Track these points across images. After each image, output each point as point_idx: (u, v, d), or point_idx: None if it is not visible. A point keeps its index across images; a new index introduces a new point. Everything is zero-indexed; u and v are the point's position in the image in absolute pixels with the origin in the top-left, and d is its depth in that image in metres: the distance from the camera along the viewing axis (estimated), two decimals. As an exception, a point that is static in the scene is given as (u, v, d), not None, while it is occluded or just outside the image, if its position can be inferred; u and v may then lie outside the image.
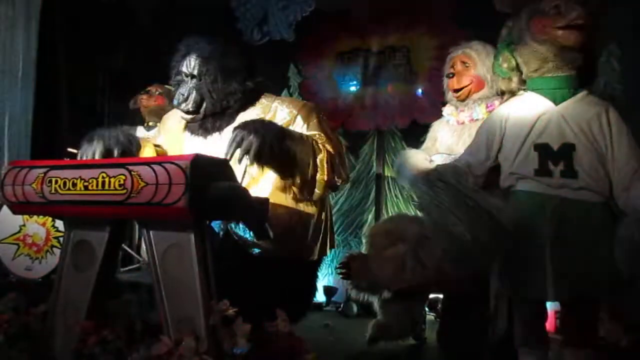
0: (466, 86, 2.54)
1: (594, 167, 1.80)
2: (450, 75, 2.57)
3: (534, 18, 1.88)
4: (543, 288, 1.77)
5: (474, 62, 2.55)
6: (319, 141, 1.92)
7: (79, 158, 1.94)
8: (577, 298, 1.79)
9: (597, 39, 1.88)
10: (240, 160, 1.69)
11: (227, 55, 2.02)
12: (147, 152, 2.10)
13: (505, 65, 2.03)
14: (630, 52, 3.49)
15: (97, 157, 1.89)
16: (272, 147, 1.71)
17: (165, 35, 3.90)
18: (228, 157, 1.66)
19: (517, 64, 2.00)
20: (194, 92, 2.00)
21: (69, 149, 3.46)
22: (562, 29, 1.82)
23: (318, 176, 1.88)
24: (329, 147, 1.92)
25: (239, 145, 1.68)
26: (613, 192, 1.81)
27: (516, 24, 1.97)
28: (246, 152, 1.68)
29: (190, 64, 2.01)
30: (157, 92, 4.03)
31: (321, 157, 1.88)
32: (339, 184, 1.97)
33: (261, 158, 1.70)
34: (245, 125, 1.73)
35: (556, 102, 1.88)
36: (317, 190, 1.90)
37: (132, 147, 1.98)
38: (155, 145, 2.14)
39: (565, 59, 1.86)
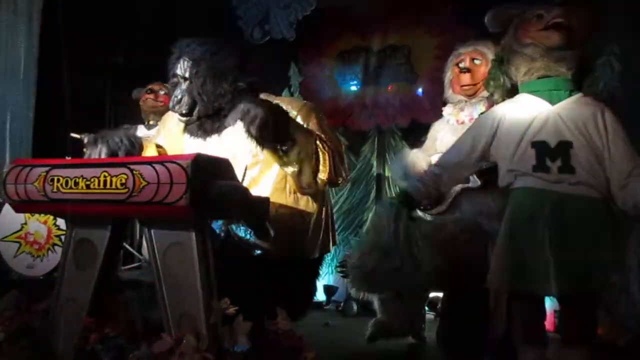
0: (478, 83, 2.56)
1: (590, 164, 1.83)
2: (465, 70, 2.60)
3: (519, 26, 1.98)
4: (546, 283, 1.78)
5: (487, 60, 2.56)
6: (322, 139, 1.94)
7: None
8: (579, 292, 1.81)
9: (587, 41, 1.92)
10: (247, 131, 1.73)
11: (218, 56, 2.00)
12: (149, 152, 2.11)
13: (492, 82, 2.17)
14: (630, 52, 3.49)
15: None
16: (275, 122, 1.76)
17: (167, 33, 3.90)
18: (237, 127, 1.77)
19: (504, 83, 2.11)
20: (186, 94, 2.00)
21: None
22: (543, 30, 1.90)
23: (320, 173, 1.90)
24: (330, 146, 1.93)
25: (245, 116, 1.72)
26: (611, 191, 1.84)
27: (507, 37, 2.06)
28: (251, 121, 1.72)
29: (183, 67, 2.01)
30: (162, 92, 4.00)
31: (324, 154, 1.90)
32: (339, 182, 1.99)
33: (266, 129, 1.73)
34: (252, 101, 1.78)
35: (552, 102, 1.93)
36: (318, 184, 1.91)
37: (134, 150, 2.00)
38: (157, 146, 2.15)
39: (552, 58, 1.91)
